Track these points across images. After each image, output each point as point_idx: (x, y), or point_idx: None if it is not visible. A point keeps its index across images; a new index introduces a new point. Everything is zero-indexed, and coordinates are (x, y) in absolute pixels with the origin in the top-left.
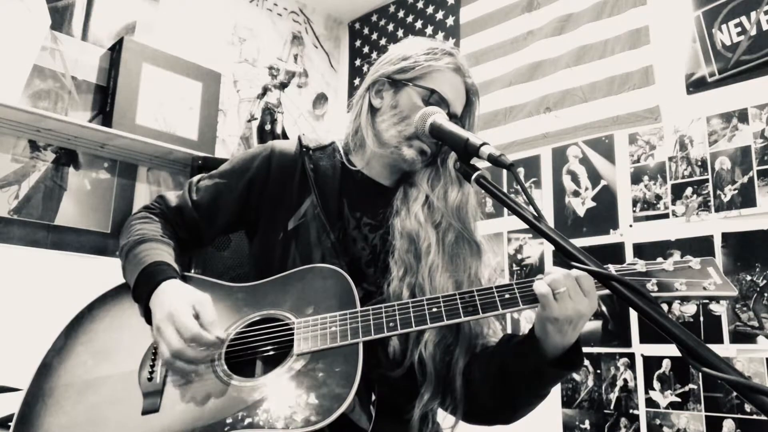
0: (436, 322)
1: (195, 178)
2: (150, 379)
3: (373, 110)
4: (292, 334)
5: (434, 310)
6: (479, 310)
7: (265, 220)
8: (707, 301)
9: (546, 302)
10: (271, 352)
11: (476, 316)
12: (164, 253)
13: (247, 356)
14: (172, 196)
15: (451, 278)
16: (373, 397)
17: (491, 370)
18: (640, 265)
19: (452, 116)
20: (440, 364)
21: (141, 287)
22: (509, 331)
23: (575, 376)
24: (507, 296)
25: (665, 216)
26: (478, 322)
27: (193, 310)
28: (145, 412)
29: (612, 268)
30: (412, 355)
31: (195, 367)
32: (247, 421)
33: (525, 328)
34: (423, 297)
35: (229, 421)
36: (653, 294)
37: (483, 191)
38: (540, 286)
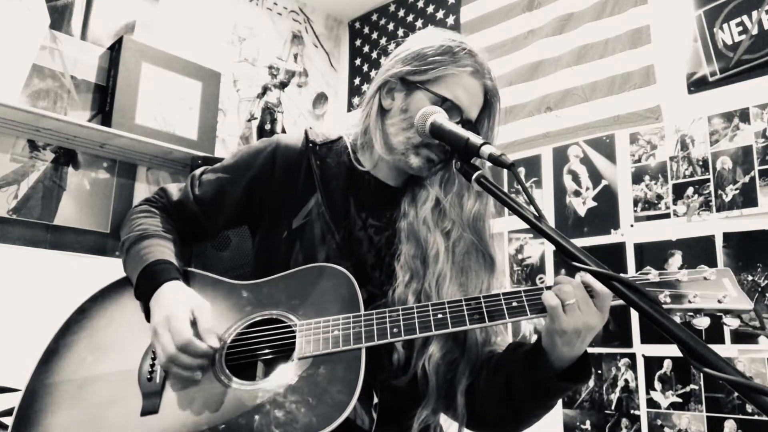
0: (441, 329)
1: (198, 171)
2: (149, 379)
3: (383, 111)
4: (294, 336)
5: (439, 316)
6: (485, 318)
7: (269, 217)
8: (721, 314)
9: (555, 314)
10: (271, 355)
11: (482, 324)
12: (166, 250)
13: (247, 358)
14: (174, 189)
15: (461, 290)
16: (375, 400)
17: (497, 380)
18: (653, 275)
19: (466, 122)
20: (443, 380)
21: (142, 286)
22: (510, 329)
23: None
24: (514, 304)
25: (666, 216)
26: (486, 328)
27: (191, 315)
28: (144, 413)
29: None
30: (416, 364)
31: (191, 373)
32: (246, 426)
33: (525, 328)
34: (428, 302)
35: (227, 426)
36: (666, 306)
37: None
38: (549, 297)
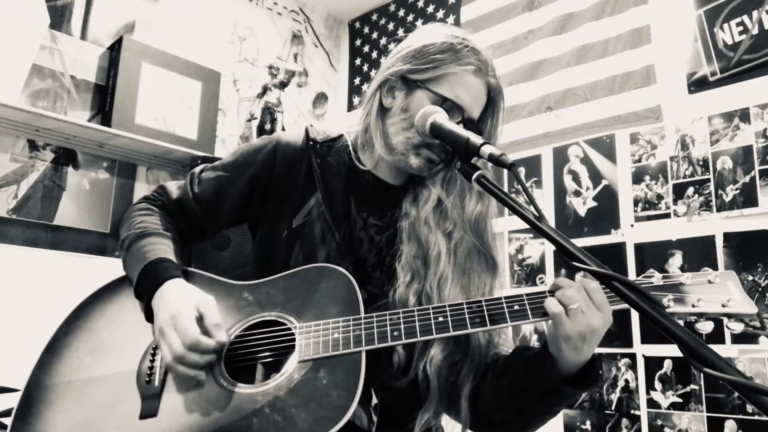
0: (442, 332)
1: (197, 169)
2: (148, 382)
3: (383, 110)
4: (294, 339)
5: (440, 319)
6: (487, 322)
7: (269, 216)
8: (725, 318)
9: (558, 321)
10: (271, 358)
11: (484, 328)
12: (167, 249)
13: (247, 360)
14: (174, 188)
15: (462, 292)
16: (375, 401)
17: (503, 384)
18: (657, 278)
19: (468, 122)
20: (444, 382)
21: (143, 285)
22: (510, 329)
23: None
24: (516, 308)
25: (667, 216)
26: (489, 331)
27: (196, 311)
28: (143, 417)
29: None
30: (417, 366)
31: (196, 372)
32: (245, 430)
33: (526, 328)
34: (429, 305)
35: (225, 429)
36: (669, 310)
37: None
38: (552, 305)
